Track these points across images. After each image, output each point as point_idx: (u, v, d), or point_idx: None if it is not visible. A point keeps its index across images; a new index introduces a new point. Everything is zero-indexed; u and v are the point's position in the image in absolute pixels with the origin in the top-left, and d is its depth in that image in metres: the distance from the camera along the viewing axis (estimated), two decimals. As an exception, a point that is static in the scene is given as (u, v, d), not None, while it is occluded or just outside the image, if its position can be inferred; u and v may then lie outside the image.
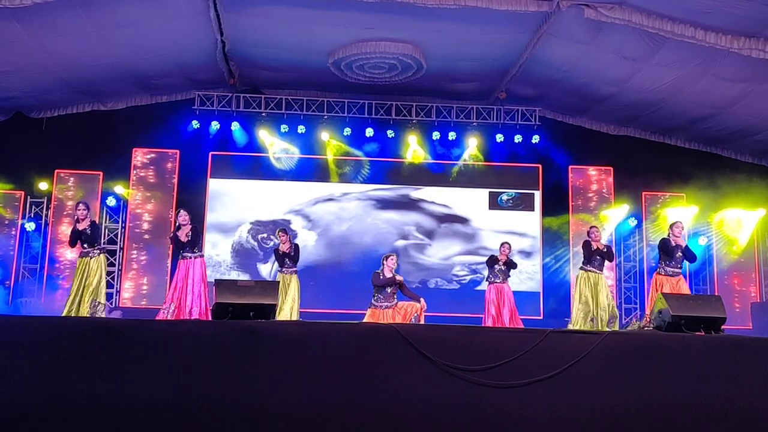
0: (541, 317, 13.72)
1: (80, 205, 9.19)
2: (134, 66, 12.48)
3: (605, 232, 13.84)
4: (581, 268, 10.12)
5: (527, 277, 14.16)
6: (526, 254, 14.21)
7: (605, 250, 10.06)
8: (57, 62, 11.89)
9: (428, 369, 6.03)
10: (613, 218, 13.97)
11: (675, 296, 7.62)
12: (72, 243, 9.11)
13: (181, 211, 9.50)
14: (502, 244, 10.90)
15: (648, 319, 8.07)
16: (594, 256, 9.98)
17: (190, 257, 9.23)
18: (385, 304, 9.27)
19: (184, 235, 9.22)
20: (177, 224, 9.46)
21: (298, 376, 5.93)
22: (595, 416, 6.06)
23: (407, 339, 6.07)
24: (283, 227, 10.77)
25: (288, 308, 10.10)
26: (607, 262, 10.29)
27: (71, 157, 13.37)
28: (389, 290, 9.35)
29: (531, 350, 6.14)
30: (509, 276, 10.88)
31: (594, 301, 9.78)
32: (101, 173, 13.42)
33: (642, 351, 6.35)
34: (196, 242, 9.30)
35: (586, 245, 10.08)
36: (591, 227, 10.40)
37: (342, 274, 13.79)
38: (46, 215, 13.28)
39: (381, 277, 9.37)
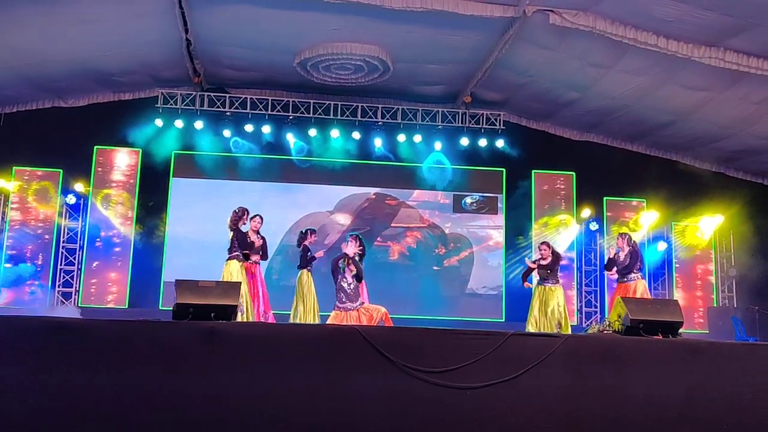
0: (503, 320, 13.82)
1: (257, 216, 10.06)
2: (97, 62, 12.30)
3: (567, 236, 14.05)
4: (538, 283, 10.53)
5: (490, 279, 14.25)
6: (489, 257, 14.33)
7: (548, 263, 10.40)
8: (17, 57, 11.68)
9: (390, 371, 6.02)
10: (574, 223, 14.15)
11: (634, 300, 7.75)
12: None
13: (258, 216, 10.01)
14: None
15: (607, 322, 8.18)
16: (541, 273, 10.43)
17: (256, 262, 9.85)
18: (350, 305, 9.13)
19: (257, 240, 9.80)
20: (248, 227, 9.87)
21: (259, 378, 5.89)
22: (555, 417, 6.12)
23: (369, 341, 6.06)
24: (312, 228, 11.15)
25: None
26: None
27: (30, 154, 13.13)
28: (349, 287, 9.21)
29: (492, 352, 6.17)
30: None
31: (542, 312, 10.14)
32: (61, 171, 13.23)
33: (601, 354, 6.43)
34: (265, 250, 10.02)
35: (527, 272, 10.65)
36: (540, 244, 10.84)
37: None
38: (4, 212, 13.04)
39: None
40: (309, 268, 10.42)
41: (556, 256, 10.46)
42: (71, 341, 5.84)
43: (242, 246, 9.65)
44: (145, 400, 5.74)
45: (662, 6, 9.58)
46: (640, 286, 10.12)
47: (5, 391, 5.63)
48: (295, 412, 5.87)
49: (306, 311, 10.14)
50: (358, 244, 10.54)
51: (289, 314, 10.47)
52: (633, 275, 10.22)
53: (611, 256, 10.52)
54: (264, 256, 10.09)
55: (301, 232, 10.86)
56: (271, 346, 6.05)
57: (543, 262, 10.43)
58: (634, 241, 10.54)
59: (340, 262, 9.20)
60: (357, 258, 10.31)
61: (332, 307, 9.36)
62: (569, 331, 9.98)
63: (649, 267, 14.32)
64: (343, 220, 14.20)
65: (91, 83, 13.20)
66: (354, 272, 9.20)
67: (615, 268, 10.41)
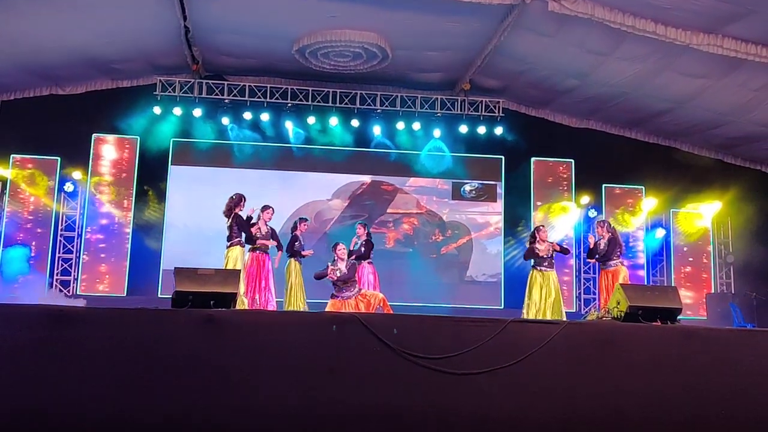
0: (502, 307, 13.85)
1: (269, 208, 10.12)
2: (94, 50, 12.26)
3: (565, 224, 14.06)
4: (533, 267, 10.45)
5: (489, 266, 14.28)
6: (488, 244, 14.35)
7: (550, 251, 10.37)
8: (13, 45, 11.63)
9: (390, 358, 6.05)
10: (573, 210, 14.16)
11: (633, 287, 7.77)
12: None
13: (270, 208, 10.09)
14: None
15: (606, 310, 8.21)
16: (539, 257, 10.36)
17: (260, 252, 9.86)
18: (347, 293, 9.22)
19: (262, 231, 9.85)
20: (258, 218, 9.96)
21: (259, 365, 5.91)
22: (554, 403, 6.15)
23: (369, 328, 6.08)
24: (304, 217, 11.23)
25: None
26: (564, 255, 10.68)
27: (28, 142, 13.11)
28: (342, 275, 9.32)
29: (491, 339, 6.20)
30: None
31: (543, 299, 10.13)
32: (58, 158, 13.21)
33: (600, 340, 6.45)
34: (275, 238, 10.11)
35: (530, 252, 10.43)
36: (538, 227, 10.81)
37: (304, 264, 13.75)
38: (3, 200, 13.02)
39: (320, 270, 9.36)
40: (297, 257, 10.42)
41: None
42: (69, 329, 5.85)
43: (243, 229, 9.63)
44: (144, 387, 5.76)
45: (661, -8, 9.56)
46: (621, 272, 10.25)
47: (3, 381, 5.65)
48: (294, 398, 5.89)
49: (293, 300, 10.19)
50: (365, 231, 11.06)
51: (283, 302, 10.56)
52: (613, 262, 10.36)
53: (591, 246, 10.56)
54: (280, 247, 10.22)
55: (295, 221, 10.94)
56: (270, 333, 6.07)
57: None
58: (613, 228, 10.70)
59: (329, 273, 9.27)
60: (361, 246, 10.67)
61: (321, 294, 9.46)
62: (564, 317, 10.02)
63: (647, 254, 14.37)
64: (341, 207, 14.20)
65: (89, 70, 13.16)
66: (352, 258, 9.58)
67: (596, 256, 10.53)
